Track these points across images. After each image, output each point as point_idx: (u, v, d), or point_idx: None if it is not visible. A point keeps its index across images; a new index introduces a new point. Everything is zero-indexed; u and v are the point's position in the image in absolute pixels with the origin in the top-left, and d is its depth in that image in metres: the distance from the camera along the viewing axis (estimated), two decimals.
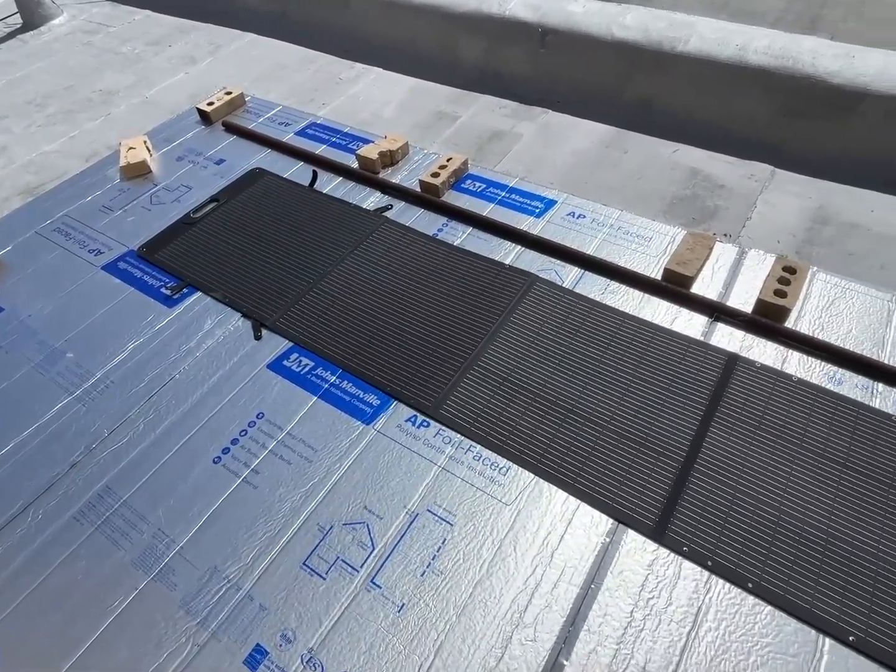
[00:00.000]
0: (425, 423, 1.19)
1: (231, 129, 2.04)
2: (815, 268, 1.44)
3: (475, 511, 1.06)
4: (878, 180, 2.01)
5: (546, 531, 1.03)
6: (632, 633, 0.91)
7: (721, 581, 0.95)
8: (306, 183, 1.79)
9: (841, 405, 1.16)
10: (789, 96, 2.13)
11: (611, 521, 1.04)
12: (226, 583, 1.00)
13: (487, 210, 1.66)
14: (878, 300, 1.35)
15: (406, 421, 1.20)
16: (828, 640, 0.89)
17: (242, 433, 1.20)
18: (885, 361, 1.22)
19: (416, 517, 1.06)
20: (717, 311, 1.36)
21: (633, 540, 1.01)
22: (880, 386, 1.20)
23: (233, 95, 2.13)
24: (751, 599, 0.93)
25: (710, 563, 0.97)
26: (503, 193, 1.71)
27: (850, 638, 0.88)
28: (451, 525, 1.04)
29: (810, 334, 1.29)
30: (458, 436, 1.17)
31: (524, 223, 1.61)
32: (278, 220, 1.67)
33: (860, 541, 0.98)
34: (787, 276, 1.37)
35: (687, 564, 0.98)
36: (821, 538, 0.98)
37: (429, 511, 1.06)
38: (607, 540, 1.02)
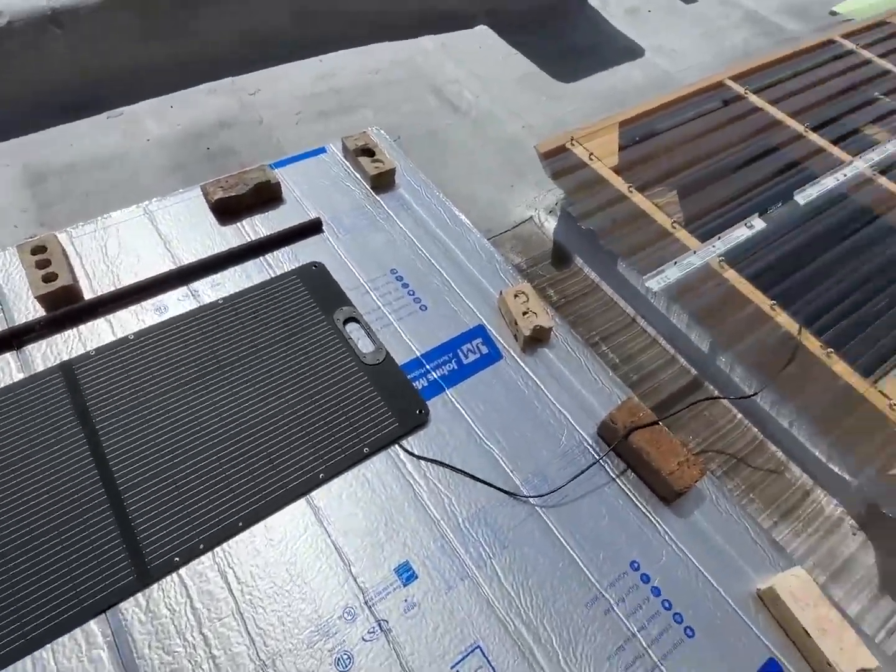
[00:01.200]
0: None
1: None
2: (68, 229, 1.33)
3: None
4: (58, 110, 1.91)
5: None
6: None
7: (221, 547, 0.93)
8: None
9: (170, 329, 1.16)
10: None
11: (96, 620, 0.85)
12: None
13: None
14: (141, 218, 1.36)
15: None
16: (313, 494, 0.99)
17: None
18: (175, 264, 1.28)
19: None
20: (13, 339, 1.14)
21: (132, 609, 0.87)
22: (194, 284, 1.25)
23: None
24: (253, 530, 0.94)
25: (202, 545, 0.92)
26: None
27: (320, 475, 1.00)
28: None
29: (112, 289, 1.23)
30: None
31: None
32: None
33: (260, 416, 1.07)
34: (43, 257, 1.22)
35: (189, 569, 0.90)
36: (266, 430, 1.04)
37: None
38: (110, 638, 0.84)
